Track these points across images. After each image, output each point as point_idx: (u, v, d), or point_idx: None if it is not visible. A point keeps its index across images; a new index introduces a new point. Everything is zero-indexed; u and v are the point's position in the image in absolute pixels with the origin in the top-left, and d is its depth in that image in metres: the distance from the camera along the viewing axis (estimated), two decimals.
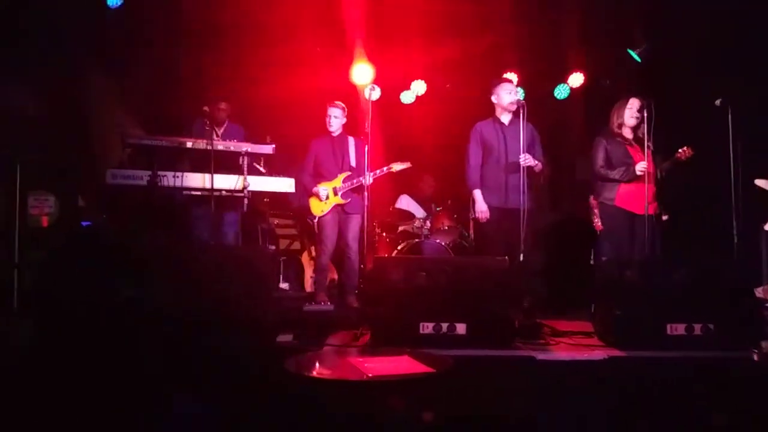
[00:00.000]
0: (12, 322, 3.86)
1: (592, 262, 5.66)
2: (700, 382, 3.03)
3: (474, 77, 6.42)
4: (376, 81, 6.11)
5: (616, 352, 3.30)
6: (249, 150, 4.85)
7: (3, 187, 4.47)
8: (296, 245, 6.77)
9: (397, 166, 5.22)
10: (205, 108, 4.89)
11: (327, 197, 5.16)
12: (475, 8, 5.97)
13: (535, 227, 4.85)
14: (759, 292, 4.54)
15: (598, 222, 5.17)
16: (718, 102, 4.45)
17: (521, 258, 4.17)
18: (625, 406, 2.95)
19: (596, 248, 5.35)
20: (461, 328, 3.36)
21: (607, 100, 4.91)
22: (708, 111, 4.52)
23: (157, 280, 3.19)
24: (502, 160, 4.62)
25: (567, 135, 6.75)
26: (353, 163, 5.20)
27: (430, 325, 3.36)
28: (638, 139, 4.58)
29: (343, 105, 5.25)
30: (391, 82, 6.72)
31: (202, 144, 4.72)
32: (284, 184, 5.02)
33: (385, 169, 5.18)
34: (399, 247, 6.00)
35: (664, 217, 4.96)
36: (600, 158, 4.64)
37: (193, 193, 4.80)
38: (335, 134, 5.26)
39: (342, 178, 5.16)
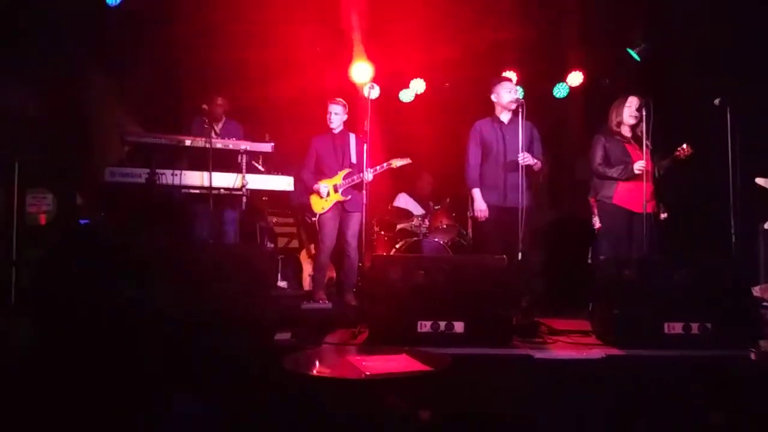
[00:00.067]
0: (10, 321, 3.85)
1: (589, 261, 5.67)
2: (698, 381, 3.04)
3: (473, 76, 6.42)
4: (376, 79, 6.11)
5: (614, 351, 3.30)
6: (248, 148, 4.85)
7: (1, 186, 4.47)
8: (294, 243, 6.77)
9: (397, 162, 5.23)
10: (204, 106, 4.88)
11: (327, 194, 5.16)
12: (474, 7, 5.96)
13: (534, 226, 4.85)
14: (757, 291, 4.54)
15: (596, 221, 5.18)
16: (717, 101, 4.46)
17: (519, 257, 4.17)
18: (623, 405, 2.96)
19: (594, 247, 5.36)
20: (459, 327, 3.36)
21: (607, 99, 4.91)
22: (707, 110, 4.52)
23: (155, 277, 3.19)
24: (501, 158, 4.62)
25: (566, 134, 6.76)
26: (354, 159, 5.20)
27: (428, 323, 3.37)
28: (637, 138, 4.58)
29: (344, 102, 5.25)
30: (390, 80, 6.72)
31: (200, 142, 4.71)
32: (283, 183, 5.02)
33: (385, 165, 5.18)
34: (397, 246, 6.00)
35: (663, 216, 4.96)
36: (598, 156, 4.64)
37: (192, 191, 4.80)
38: (336, 131, 5.26)
39: (342, 175, 5.17)
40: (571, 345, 3.52)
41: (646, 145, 4.44)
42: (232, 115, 5.40)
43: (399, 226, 6.32)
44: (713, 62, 5.46)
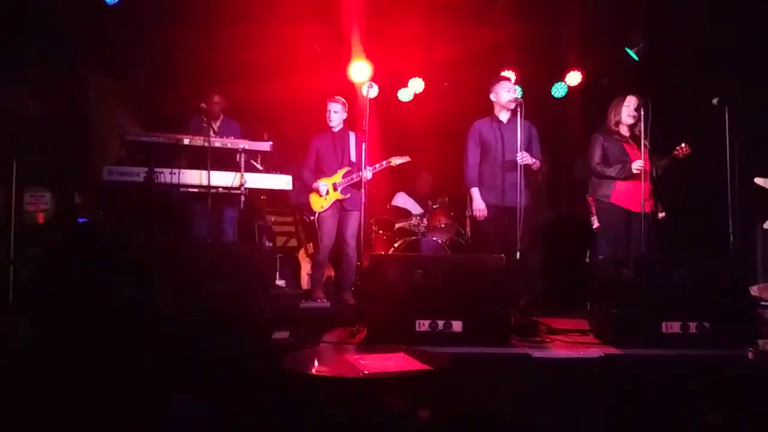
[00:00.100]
0: (9, 321, 3.85)
1: (587, 260, 5.67)
2: (696, 380, 3.04)
3: (471, 75, 6.42)
4: (374, 78, 6.10)
5: (612, 350, 3.30)
6: (246, 147, 4.84)
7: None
8: (293, 242, 6.77)
9: (396, 160, 5.23)
10: (203, 105, 4.88)
11: (327, 193, 5.17)
12: (472, 6, 5.96)
13: (533, 225, 4.86)
14: (754, 290, 4.55)
15: (595, 221, 5.18)
16: (715, 101, 4.46)
17: (518, 256, 4.18)
18: (621, 404, 2.96)
19: (593, 246, 5.36)
20: (457, 326, 3.36)
21: (605, 98, 4.92)
22: (705, 110, 4.52)
23: (153, 276, 3.19)
24: (500, 158, 4.62)
25: (565, 133, 6.76)
26: (354, 158, 5.20)
27: (427, 322, 3.37)
28: (635, 137, 4.59)
29: (344, 100, 5.25)
30: (389, 79, 6.71)
31: (199, 141, 4.71)
32: (281, 182, 5.02)
33: (384, 163, 5.19)
34: (396, 245, 6.00)
35: (661, 215, 4.97)
36: (597, 155, 4.64)
37: (190, 190, 4.80)
38: (336, 129, 5.26)
39: (342, 174, 5.17)
40: (569, 344, 3.52)
41: (645, 145, 4.44)
42: (230, 113, 5.39)
43: (397, 225, 6.32)
44: (712, 62, 5.46)
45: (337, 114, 5.21)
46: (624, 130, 4.66)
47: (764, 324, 3.84)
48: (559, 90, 6.96)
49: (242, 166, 4.79)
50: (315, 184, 5.17)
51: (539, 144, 4.74)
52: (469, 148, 4.72)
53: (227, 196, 4.86)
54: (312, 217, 5.29)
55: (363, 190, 4.72)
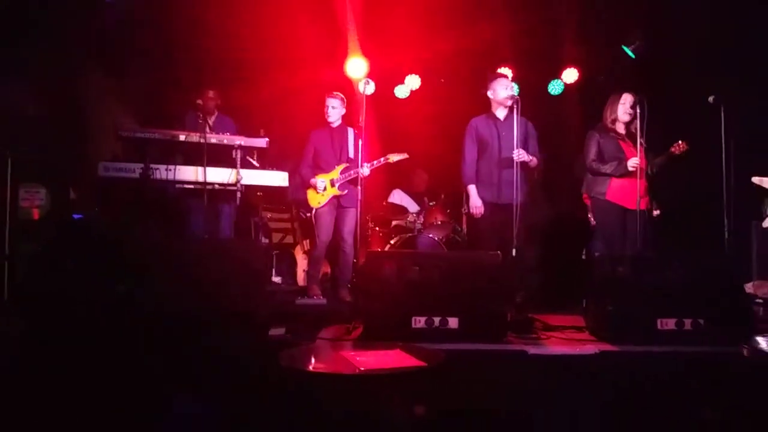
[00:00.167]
0: (3, 317, 3.83)
1: (583, 257, 5.68)
2: (691, 377, 3.05)
3: (468, 72, 6.42)
4: (371, 75, 6.09)
5: (608, 347, 3.31)
6: (242, 143, 4.82)
7: None
8: (289, 239, 6.76)
9: (394, 157, 5.23)
10: (199, 101, 4.87)
11: (324, 189, 5.16)
12: (469, 3, 5.96)
13: (529, 222, 4.86)
14: (749, 287, 4.57)
15: (592, 218, 5.19)
16: (711, 99, 4.47)
17: (514, 253, 4.18)
18: (617, 400, 2.97)
19: (589, 243, 5.37)
20: (453, 323, 3.36)
21: (601, 96, 4.92)
22: (702, 108, 4.53)
23: (149, 273, 3.18)
24: (497, 155, 4.63)
25: (561, 131, 6.76)
26: (351, 154, 5.20)
27: (423, 319, 3.37)
28: (631, 135, 4.60)
29: (342, 95, 5.25)
30: (385, 76, 6.71)
31: (195, 137, 4.69)
32: (277, 178, 5.00)
33: (382, 159, 5.19)
34: (392, 242, 6.00)
35: (656, 213, 4.98)
36: (592, 152, 4.65)
37: (186, 186, 4.78)
38: (334, 125, 5.25)
39: (339, 170, 5.16)
40: (565, 341, 3.52)
41: (640, 143, 4.45)
42: (226, 110, 5.38)
43: (394, 222, 6.32)
44: (708, 60, 5.47)
45: (335, 109, 5.20)
46: (620, 128, 4.66)
47: (759, 321, 3.86)
48: (555, 87, 6.96)
49: (238, 162, 4.77)
50: (312, 180, 5.17)
51: (537, 141, 4.75)
52: (466, 145, 4.72)
53: (223, 192, 4.85)
54: (309, 214, 5.28)
55: (359, 187, 4.71)
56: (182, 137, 4.71)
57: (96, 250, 3.18)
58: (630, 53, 6.00)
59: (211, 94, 5.20)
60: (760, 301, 4.46)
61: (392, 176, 6.42)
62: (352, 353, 2.59)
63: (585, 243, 5.60)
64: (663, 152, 4.68)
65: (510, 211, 4.28)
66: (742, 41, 5.27)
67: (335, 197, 5.17)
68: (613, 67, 6.47)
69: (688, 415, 2.91)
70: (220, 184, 4.76)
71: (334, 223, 5.21)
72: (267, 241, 6.50)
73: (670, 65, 5.92)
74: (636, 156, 4.43)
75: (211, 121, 5.11)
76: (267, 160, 5.19)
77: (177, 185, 4.76)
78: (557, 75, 6.87)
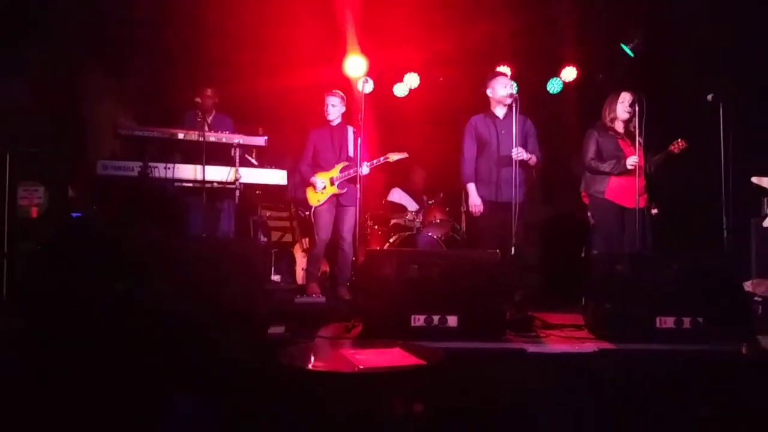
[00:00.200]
0: (1, 316, 3.83)
1: (582, 255, 5.68)
2: (690, 375, 3.06)
3: (467, 71, 6.41)
4: (369, 73, 6.09)
5: (606, 345, 3.31)
6: (241, 142, 4.82)
7: None
8: (288, 237, 6.76)
9: (394, 156, 5.22)
10: (197, 99, 4.86)
11: (324, 187, 5.16)
12: (468, 1, 5.95)
13: (529, 221, 4.86)
14: (748, 285, 4.57)
15: (591, 216, 5.18)
16: (709, 97, 4.47)
17: (513, 251, 4.18)
18: (615, 398, 2.97)
19: (588, 242, 5.37)
20: (452, 321, 3.36)
21: (600, 94, 4.92)
22: (700, 106, 4.53)
23: (147, 271, 3.18)
24: (496, 153, 4.63)
25: (560, 129, 6.76)
26: (351, 153, 5.19)
27: (422, 317, 3.37)
28: (630, 133, 4.60)
29: (342, 93, 5.24)
30: (384, 74, 6.70)
31: (193, 135, 4.69)
32: (276, 177, 5.00)
33: (381, 159, 5.18)
34: (391, 240, 6.00)
35: (654, 211, 4.98)
36: (591, 150, 4.65)
37: (185, 184, 4.78)
38: (334, 123, 5.25)
39: (339, 169, 5.16)
40: (564, 339, 3.53)
41: (639, 141, 4.45)
42: (224, 108, 5.38)
43: (393, 221, 6.32)
44: (707, 59, 5.47)
45: (335, 108, 5.19)
46: (619, 126, 4.66)
47: (758, 319, 3.87)
48: (554, 86, 6.96)
49: (237, 160, 4.77)
50: (312, 179, 5.17)
51: (536, 139, 4.74)
52: (466, 144, 4.72)
53: (222, 190, 4.85)
54: (308, 213, 5.28)
55: (359, 185, 4.71)
56: (181, 135, 4.71)
57: (95, 248, 3.17)
58: (629, 51, 6.00)
59: (209, 92, 5.20)
60: (759, 299, 4.46)
61: (391, 175, 6.42)
62: (352, 351, 2.59)
63: (584, 241, 5.60)
64: (662, 151, 4.68)
65: (509, 209, 4.28)
66: (741, 40, 5.26)
67: (334, 196, 5.17)
68: (612, 66, 6.46)
69: (687, 413, 2.92)
70: (218, 183, 4.76)
71: (334, 221, 5.21)
72: (266, 239, 6.49)
73: (669, 64, 5.91)
74: (635, 154, 4.43)
75: (209, 119, 5.10)
76: (265, 158, 5.19)
77: (176, 184, 4.76)
78: (556, 73, 6.86)
